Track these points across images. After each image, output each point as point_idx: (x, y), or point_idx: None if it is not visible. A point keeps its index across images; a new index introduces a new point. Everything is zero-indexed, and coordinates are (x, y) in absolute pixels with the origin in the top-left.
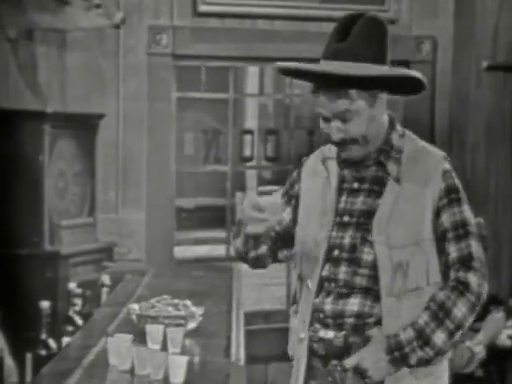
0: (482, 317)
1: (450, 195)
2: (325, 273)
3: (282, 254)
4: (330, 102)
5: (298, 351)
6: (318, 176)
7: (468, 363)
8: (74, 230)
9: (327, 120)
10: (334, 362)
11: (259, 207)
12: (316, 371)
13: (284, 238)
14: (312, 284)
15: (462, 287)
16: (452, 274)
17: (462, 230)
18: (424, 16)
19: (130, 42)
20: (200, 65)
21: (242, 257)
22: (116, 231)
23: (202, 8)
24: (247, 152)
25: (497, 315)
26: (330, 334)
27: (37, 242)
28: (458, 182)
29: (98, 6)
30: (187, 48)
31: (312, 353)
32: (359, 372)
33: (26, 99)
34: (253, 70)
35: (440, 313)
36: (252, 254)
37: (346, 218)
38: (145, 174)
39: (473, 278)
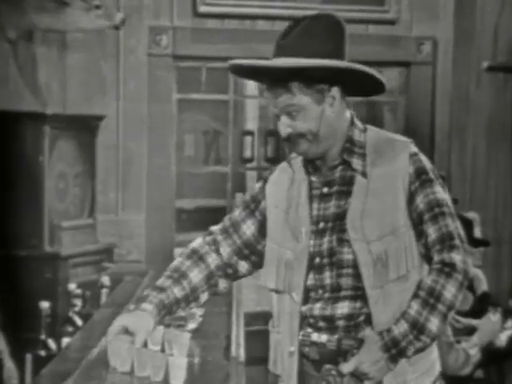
0: (478, 315)
1: (421, 177)
2: (310, 282)
3: (243, 267)
4: (275, 98)
5: (289, 365)
6: (285, 187)
7: (463, 365)
8: (74, 232)
9: (278, 117)
10: (328, 366)
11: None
12: (308, 377)
13: (243, 252)
14: (297, 295)
15: (449, 268)
16: (435, 256)
17: (437, 210)
18: (424, 17)
19: (130, 42)
20: (200, 66)
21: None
22: (116, 232)
23: (202, 9)
24: (248, 153)
25: (493, 318)
26: (323, 338)
27: (37, 243)
28: (427, 163)
29: (97, 7)
30: (187, 49)
31: (303, 357)
32: (358, 376)
33: (26, 100)
34: None
35: (430, 299)
36: (211, 292)
37: (321, 225)
38: (145, 176)
39: (457, 257)
